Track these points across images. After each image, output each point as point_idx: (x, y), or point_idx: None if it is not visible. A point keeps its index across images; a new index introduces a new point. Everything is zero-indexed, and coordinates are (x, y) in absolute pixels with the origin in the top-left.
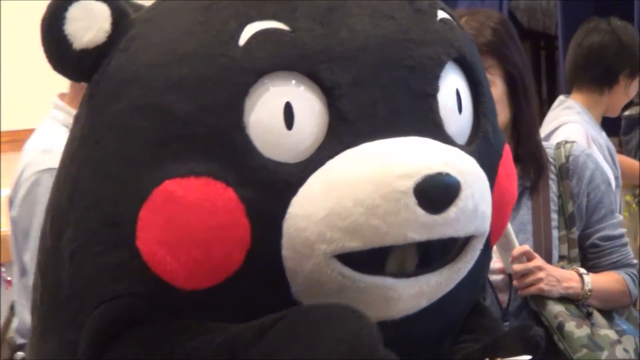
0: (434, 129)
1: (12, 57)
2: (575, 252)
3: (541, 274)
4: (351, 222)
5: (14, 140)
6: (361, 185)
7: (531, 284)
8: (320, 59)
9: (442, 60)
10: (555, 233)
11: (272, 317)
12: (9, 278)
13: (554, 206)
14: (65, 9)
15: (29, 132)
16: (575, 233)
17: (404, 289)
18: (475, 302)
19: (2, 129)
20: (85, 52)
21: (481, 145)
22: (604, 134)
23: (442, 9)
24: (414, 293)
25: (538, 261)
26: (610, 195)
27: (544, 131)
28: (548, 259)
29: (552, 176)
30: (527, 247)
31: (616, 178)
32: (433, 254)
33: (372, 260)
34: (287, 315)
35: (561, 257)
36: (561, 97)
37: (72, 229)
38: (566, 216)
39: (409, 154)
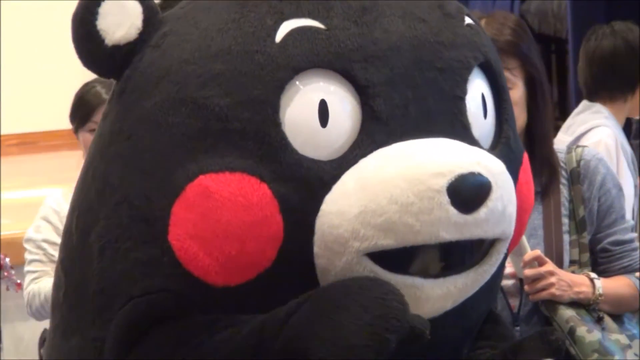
0: (462, 131)
1: (14, 58)
2: (586, 256)
3: (552, 279)
4: (385, 220)
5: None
6: (395, 183)
7: (542, 289)
8: (355, 58)
9: (470, 64)
10: (566, 238)
11: (297, 300)
12: (18, 281)
13: (565, 211)
14: (98, 4)
15: (33, 135)
16: (586, 238)
17: (432, 290)
18: (489, 310)
19: (4, 132)
20: (117, 49)
21: (504, 150)
22: (626, 140)
23: (467, 14)
24: (441, 294)
25: (549, 266)
26: (621, 200)
27: (572, 134)
28: (559, 264)
29: (563, 181)
30: (538, 252)
31: (635, 186)
32: (459, 256)
33: (398, 260)
34: (311, 296)
35: (572, 262)
36: (586, 102)
37: (102, 224)
38: (577, 221)
39: (442, 153)
